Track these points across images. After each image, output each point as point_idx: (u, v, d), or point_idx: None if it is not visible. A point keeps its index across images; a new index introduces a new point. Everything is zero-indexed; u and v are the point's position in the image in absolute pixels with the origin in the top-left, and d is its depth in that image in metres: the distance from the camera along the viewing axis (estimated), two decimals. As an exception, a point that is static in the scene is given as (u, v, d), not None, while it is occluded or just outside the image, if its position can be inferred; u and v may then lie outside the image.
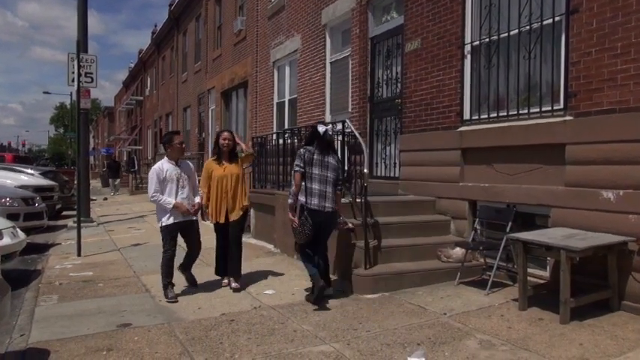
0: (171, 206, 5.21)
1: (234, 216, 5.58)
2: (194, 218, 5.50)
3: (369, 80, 8.36)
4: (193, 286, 5.65)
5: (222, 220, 5.59)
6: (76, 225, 8.15)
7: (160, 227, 5.36)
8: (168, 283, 5.29)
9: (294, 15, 11.07)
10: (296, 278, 6.02)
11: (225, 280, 5.73)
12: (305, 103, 10.48)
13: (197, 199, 5.52)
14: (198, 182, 5.68)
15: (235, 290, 5.48)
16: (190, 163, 5.66)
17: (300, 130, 8.09)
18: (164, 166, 5.30)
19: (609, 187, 4.56)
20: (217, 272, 5.87)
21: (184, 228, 5.41)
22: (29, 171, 14.41)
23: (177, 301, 5.09)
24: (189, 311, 4.77)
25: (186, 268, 5.71)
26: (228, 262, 5.67)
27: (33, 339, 4.09)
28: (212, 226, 5.79)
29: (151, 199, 5.29)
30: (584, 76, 4.78)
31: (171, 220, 5.29)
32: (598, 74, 4.66)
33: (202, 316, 4.62)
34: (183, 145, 5.53)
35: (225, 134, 5.71)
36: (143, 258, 7.51)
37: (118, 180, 25.07)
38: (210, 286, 5.68)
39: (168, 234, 5.33)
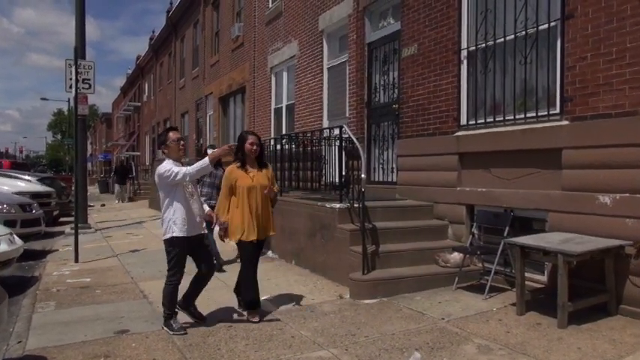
0: (207, 162, 4.23)
1: (267, 232, 4.82)
2: (204, 232, 4.67)
3: (367, 86, 8.38)
4: (201, 321, 4.57)
5: (261, 237, 4.72)
6: (73, 231, 8.13)
7: (169, 239, 4.31)
8: (172, 313, 4.39)
9: (291, 21, 11.11)
10: (294, 284, 6.01)
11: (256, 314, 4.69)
12: (302, 108, 10.50)
13: (206, 208, 4.78)
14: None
15: (254, 322, 4.59)
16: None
17: (297, 135, 8.10)
18: (171, 165, 4.34)
19: (606, 191, 4.57)
20: (251, 305, 4.72)
21: (196, 244, 4.47)
22: (26, 177, 14.36)
23: (186, 333, 4.26)
24: (187, 317, 4.75)
25: (191, 299, 4.59)
26: (246, 288, 4.78)
27: (30, 346, 4.07)
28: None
29: (182, 174, 4.23)
30: (580, 81, 4.81)
31: (184, 232, 4.30)
32: (593, 79, 4.68)
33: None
34: (182, 143, 4.55)
35: (253, 138, 4.76)
36: (141, 264, 7.50)
37: (124, 187, 22.31)
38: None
39: (179, 251, 4.31)
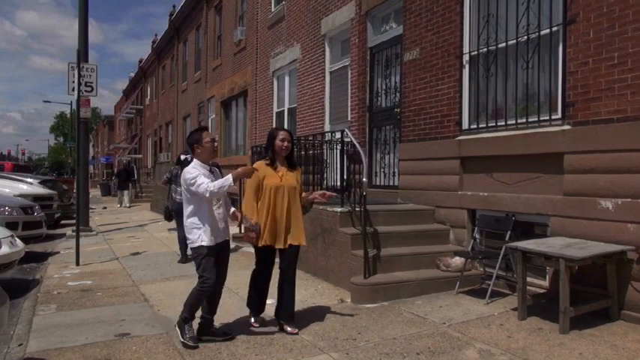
0: (230, 180, 3.95)
1: (293, 239, 4.35)
2: (228, 238, 4.37)
3: (368, 90, 8.40)
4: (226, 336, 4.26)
5: (281, 245, 4.33)
6: (75, 234, 8.14)
7: (197, 247, 4.08)
8: (190, 318, 4.14)
9: (293, 25, 11.14)
10: (296, 287, 5.99)
11: (256, 319, 4.56)
12: (304, 112, 10.51)
13: (232, 208, 4.41)
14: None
15: (293, 334, 4.30)
16: (218, 169, 4.56)
17: (299, 139, 8.11)
18: (199, 169, 4.12)
19: (608, 196, 4.57)
20: (251, 307, 4.61)
21: (220, 250, 4.23)
22: (28, 180, 14.39)
23: (196, 347, 4.03)
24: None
25: (212, 313, 4.28)
26: (280, 299, 4.48)
27: (31, 349, 4.07)
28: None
29: (208, 195, 3.97)
30: (582, 86, 4.81)
31: (212, 241, 4.09)
32: (595, 84, 4.68)
33: (201, 326, 4.59)
34: (215, 144, 4.31)
35: (284, 134, 4.38)
36: (142, 267, 7.50)
37: (127, 191, 20.62)
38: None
39: (207, 258, 4.07)
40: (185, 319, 4.13)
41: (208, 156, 4.23)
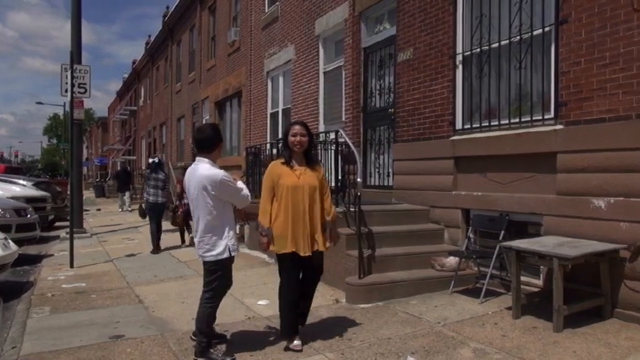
0: (244, 191, 3.80)
1: (316, 245, 3.97)
2: None
3: (363, 90, 8.41)
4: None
5: (305, 252, 3.89)
6: (68, 236, 8.10)
7: (222, 260, 3.73)
8: (209, 341, 3.82)
9: (287, 26, 11.14)
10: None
11: (297, 342, 3.94)
12: (299, 113, 10.51)
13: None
14: None
15: (298, 350, 3.91)
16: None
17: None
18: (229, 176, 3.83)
19: (600, 195, 4.59)
20: (286, 333, 4.03)
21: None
22: (21, 182, 14.32)
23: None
24: (183, 322, 4.74)
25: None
26: (301, 304, 4.14)
27: (25, 351, 4.05)
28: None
29: (248, 196, 3.84)
30: (574, 86, 4.84)
31: (237, 251, 3.86)
32: (587, 84, 4.71)
33: (196, 327, 4.58)
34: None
35: (297, 128, 3.98)
36: (137, 269, 7.48)
37: (127, 194, 19.75)
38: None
39: (228, 270, 3.85)
40: (205, 347, 3.73)
41: (218, 158, 3.93)
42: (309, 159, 4.05)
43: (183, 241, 9.67)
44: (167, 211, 9.71)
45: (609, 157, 4.51)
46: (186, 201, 8.98)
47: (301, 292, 4.08)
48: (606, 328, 4.27)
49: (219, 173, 3.71)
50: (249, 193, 3.82)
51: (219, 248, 3.71)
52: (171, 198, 9.49)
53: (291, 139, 3.95)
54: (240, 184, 3.89)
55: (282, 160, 4.01)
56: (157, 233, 8.99)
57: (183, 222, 9.56)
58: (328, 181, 4.55)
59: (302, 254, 3.89)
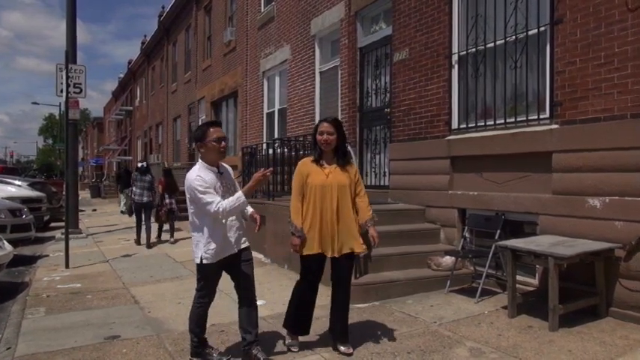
0: (243, 199, 3.46)
1: (346, 247, 3.78)
2: (244, 246, 3.74)
3: (358, 90, 8.41)
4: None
5: (333, 253, 3.76)
6: (64, 236, 8.07)
7: (198, 264, 3.59)
8: (200, 342, 3.72)
9: (283, 26, 11.13)
10: (287, 288, 5.98)
11: (291, 342, 3.95)
12: (295, 112, 10.51)
13: (249, 209, 3.82)
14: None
15: (347, 354, 3.80)
16: (229, 168, 3.87)
17: (290, 139, 8.11)
18: (204, 174, 3.50)
19: (595, 194, 4.61)
20: (289, 326, 4.00)
21: (231, 261, 3.65)
22: (17, 182, 14.26)
23: None
24: (179, 322, 4.73)
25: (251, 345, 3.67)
26: (332, 315, 3.98)
27: (20, 352, 4.03)
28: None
29: (218, 215, 3.42)
30: (569, 85, 4.85)
31: (214, 258, 3.54)
32: (583, 83, 4.73)
33: (192, 328, 4.57)
34: (223, 144, 3.57)
35: (324, 126, 3.79)
36: (133, 269, 7.46)
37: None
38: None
39: (208, 276, 3.64)
40: (195, 347, 3.66)
41: (215, 157, 3.58)
42: (340, 157, 3.85)
43: (158, 235, 10.41)
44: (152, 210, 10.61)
45: (604, 156, 4.53)
46: (167, 200, 10.26)
47: (332, 302, 3.98)
48: (601, 326, 4.29)
49: (192, 177, 3.48)
50: (219, 208, 3.38)
51: (198, 253, 3.56)
52: (155, 198, 10.50)
53: (318, 137, 3.80)
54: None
55: (312, 158, 3.87)
56: (140, 228, 10.07)
57: (167, 219, 10.42)
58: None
59: (329, 255, 3.78)
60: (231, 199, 3.45)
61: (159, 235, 10.44)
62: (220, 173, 3.61)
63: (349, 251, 3.80)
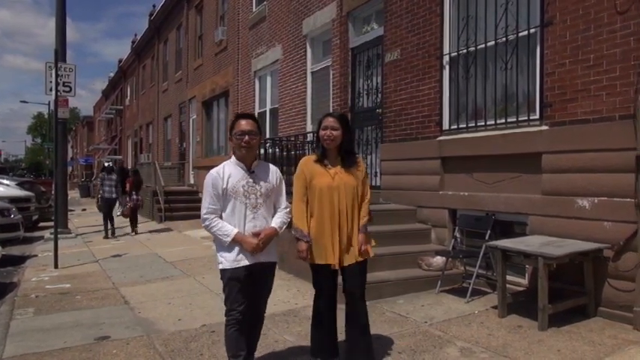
0: (229, 239, 3.14)
1: (357, 254, 3.40)
2: (274, 260, 3.42)
3: (350, 90, 8.42)
4: None
5: (335, 262, 3.35)
6: (53, 236, 8.00)
7: (220, 270, 3.25)
8: None
9: (275, 25, 11.12)
10: (278, 288, 5.94)
11: None
12: (286, 112, 10.50)
13: (275, 222, 3.35)
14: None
15: None
16: (274, 167, 3.47)
17: (281, 139, 8.10)
18: (226, 170, 3.21)
19: (585, 195, 4.65)
20: (319, 353, 3.53)
21: (258, 276, 3.28)
22: (5, 181, 14.13)
23: None
24: (169, 322, 4.72)
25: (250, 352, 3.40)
26: (350, 334, 3.49)
27: (8, 353, 3.99)
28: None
29: (202, 223, 3.25)
30: (559, 87, 4.89)
31: (239, 262, 3.18)
32: (572, 85, 4.77)
33: (182, 328, 4.56)
34: (246, 139, 3.17)
35: (328, 121, 3.43)
36: (123, 269, 7.41)
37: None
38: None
39: (231, 284, 3.20)
40: None
41: (239, 152, 3.22)
42: (345, 155, 3.46)
43: (133, 230, 11.93)
44: (119, 205, 12.22)
45: (593, 157, 4.57)
46: (134, 197, 11.83)
47: (345, 316, 3.51)
48: (590, 326, 4.33)
49: (213, 169, 3.25)
50: (205, 216, 3.19)
51: (220, 257, 3.26)
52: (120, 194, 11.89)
53: (321, 132, 3.41)
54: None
55: (315, 157, 3.49)
56: (109, 221, 11.38)
57: (131, 214, 11.91)
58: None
59: (345, 264, 3.38)
60: (222, 226, 3.16)
61: (133, 230, 11.90)
62: (251, 172, 3.25)
63: (361, 258, 3.42)
